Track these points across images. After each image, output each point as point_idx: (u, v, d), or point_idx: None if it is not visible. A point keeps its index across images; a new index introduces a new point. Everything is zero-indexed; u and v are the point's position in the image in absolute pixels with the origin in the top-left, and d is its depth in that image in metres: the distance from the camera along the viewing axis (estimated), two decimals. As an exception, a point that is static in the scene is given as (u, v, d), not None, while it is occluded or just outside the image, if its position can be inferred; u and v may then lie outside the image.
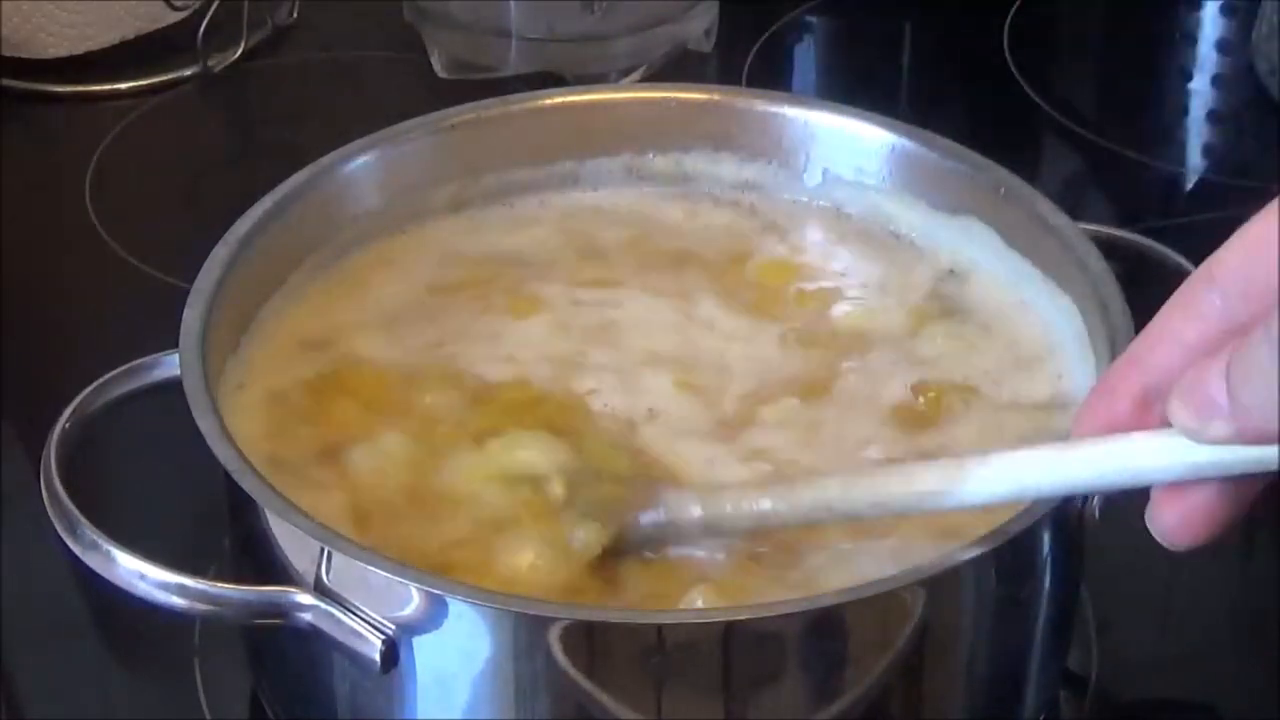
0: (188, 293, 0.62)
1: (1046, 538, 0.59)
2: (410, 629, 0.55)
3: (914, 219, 0.70)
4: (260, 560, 0.59)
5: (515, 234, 0.71)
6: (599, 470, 0.61)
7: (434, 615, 0.55)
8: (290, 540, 0.57)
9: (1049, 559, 0.59)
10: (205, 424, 0.58)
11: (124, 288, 0.84)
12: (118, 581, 0.58)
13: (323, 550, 0.56)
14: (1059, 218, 0.66)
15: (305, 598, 0.56)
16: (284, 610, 0.57)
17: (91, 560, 0.58)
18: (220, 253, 0.64)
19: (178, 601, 0.57)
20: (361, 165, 0.69)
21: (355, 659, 0.56)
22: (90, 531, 0.58)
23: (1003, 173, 0.68)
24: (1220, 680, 0.68)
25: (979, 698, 0.60)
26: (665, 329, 0.67)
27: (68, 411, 0.61)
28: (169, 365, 0.61)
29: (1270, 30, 0.92)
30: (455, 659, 0.56)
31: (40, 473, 0.60)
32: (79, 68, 0.95)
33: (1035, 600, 0.60)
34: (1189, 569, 0.67)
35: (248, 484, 0.56)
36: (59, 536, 0.59)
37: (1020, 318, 0.68)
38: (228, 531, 0.64)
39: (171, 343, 0.61)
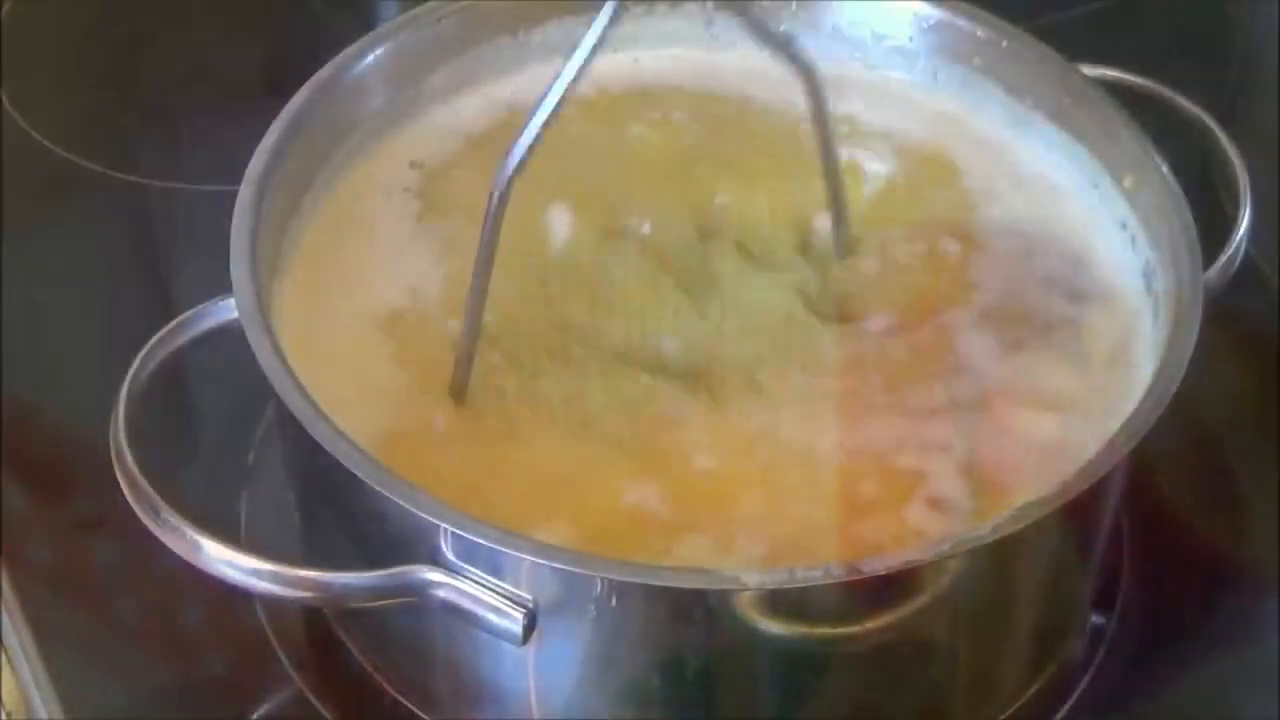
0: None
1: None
2: (549, 606, 0.53)
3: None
4: (367, 539, 0.55)
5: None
6: None
7: (578, 591, 0.53)
8: (407, 519, 0.53)
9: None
10: (300, 409, 0.54)
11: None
12: (211, 571, 0.54)
13: (444, 529, 0.53)
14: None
15: (437, 575, 0.53)
16: (414, 590, 0.53)
17: (177, 546, 0.54)
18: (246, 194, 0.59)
19: (277, 589, 0.54)
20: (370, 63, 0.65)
21: (495, 632, 0.53)
22: (173, 517, 0.54)
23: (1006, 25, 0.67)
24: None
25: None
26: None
27: (130, 375, 0.57)
28: (220, 313, 0.58)
29: None
30: (595, 631, 0.54)
31: (112, 450, 0.56)
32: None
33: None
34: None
35: (362, 469, 0.53)
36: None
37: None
38: (301, 508, 0.61)
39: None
